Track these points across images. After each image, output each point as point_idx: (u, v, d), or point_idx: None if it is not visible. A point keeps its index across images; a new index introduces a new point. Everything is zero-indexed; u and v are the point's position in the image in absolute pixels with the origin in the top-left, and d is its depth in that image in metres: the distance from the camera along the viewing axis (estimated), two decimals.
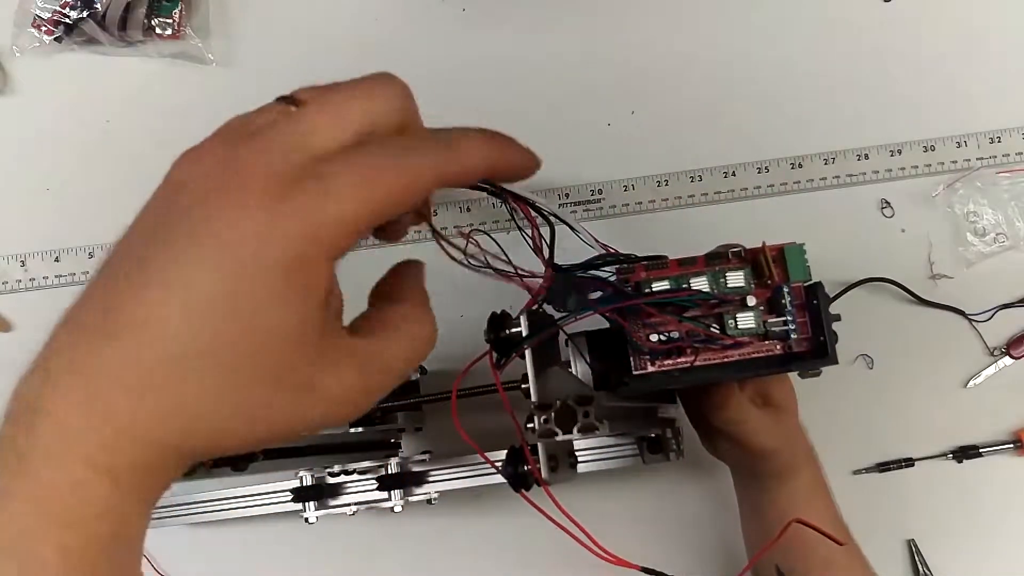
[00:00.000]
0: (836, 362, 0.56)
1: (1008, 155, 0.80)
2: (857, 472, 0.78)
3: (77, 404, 0.30)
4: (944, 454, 0.78)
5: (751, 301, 0.56)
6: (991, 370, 0.79)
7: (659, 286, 0.56)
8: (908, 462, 0.78)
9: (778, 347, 0.56)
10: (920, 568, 0.77)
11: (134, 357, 0.30)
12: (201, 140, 0.33)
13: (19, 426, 0.30)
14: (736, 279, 0.57)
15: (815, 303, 0.57)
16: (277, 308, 0.31)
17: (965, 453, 0.78)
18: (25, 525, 0.29)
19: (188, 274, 0.30)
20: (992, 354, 0.79)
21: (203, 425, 0.31)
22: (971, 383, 0.79)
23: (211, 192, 0.31)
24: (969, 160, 0.81)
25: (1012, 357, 0.78)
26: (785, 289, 0.56)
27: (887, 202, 0.81)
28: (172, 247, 0.30)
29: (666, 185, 0.82)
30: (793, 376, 0.67)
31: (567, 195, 0.82)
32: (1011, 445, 0.77)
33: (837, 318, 0.57)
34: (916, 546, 0.77)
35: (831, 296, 0.76)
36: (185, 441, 0.31)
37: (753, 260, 0.57)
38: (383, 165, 0.33)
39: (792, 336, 0.56)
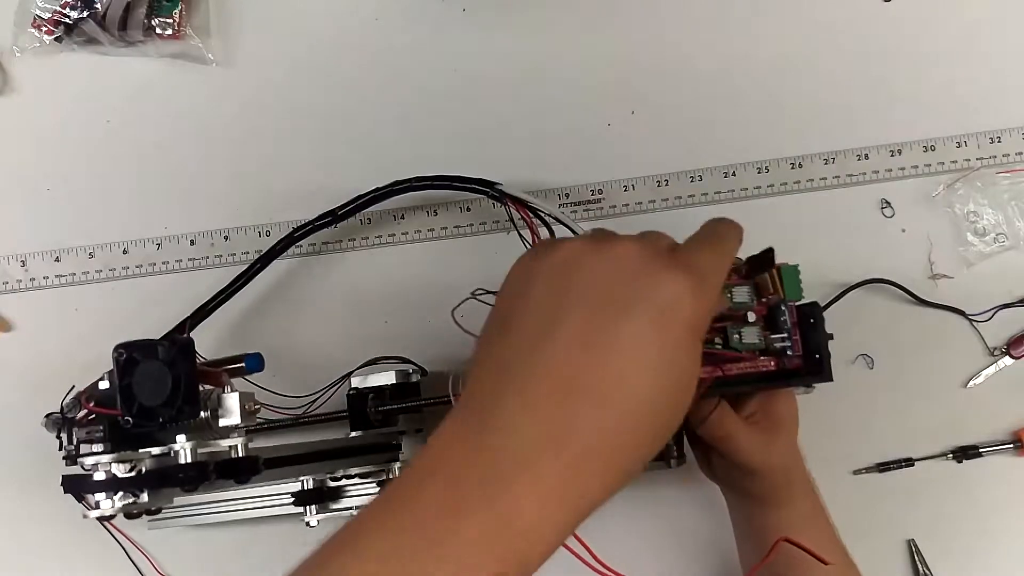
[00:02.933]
0: (831, 379, 0.57)
1: (1008, 155, 0.80)
2: (857, 472, 0.78)
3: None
4: (944, 454, 0.78)
5: (751, 317, 0.57)
6: (991, 370, 0.79)
7: None
8: (908, 462, 0.78)
9: (772, 363, 0.58)
10: (920, 568, 0.77)
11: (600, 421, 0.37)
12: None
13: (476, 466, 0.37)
14: (741, 295, 0.58)
15: (811, 322, 0.58)
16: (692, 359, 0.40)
17: (965, 453, 0.78)
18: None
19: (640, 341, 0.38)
20: (992, 354, 0.79)
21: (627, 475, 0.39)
22: (971, 383, 0.79)
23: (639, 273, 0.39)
24: (969, 160, 0.80)
25: (1012, 357, 0.78)
26: (782, 307, 0.57)
27: (887, 202, 0.81)
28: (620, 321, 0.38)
29: (666, 185, 0.82)
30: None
31: (567, 195, 0.82)
32: (1011, 445, 0.77)
33: (830, 337, 0.59)
34: (916, 546, 0.77)
35: (832, 297, 0.77)
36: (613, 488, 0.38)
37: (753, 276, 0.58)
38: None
39: (788, 353, 0.57)
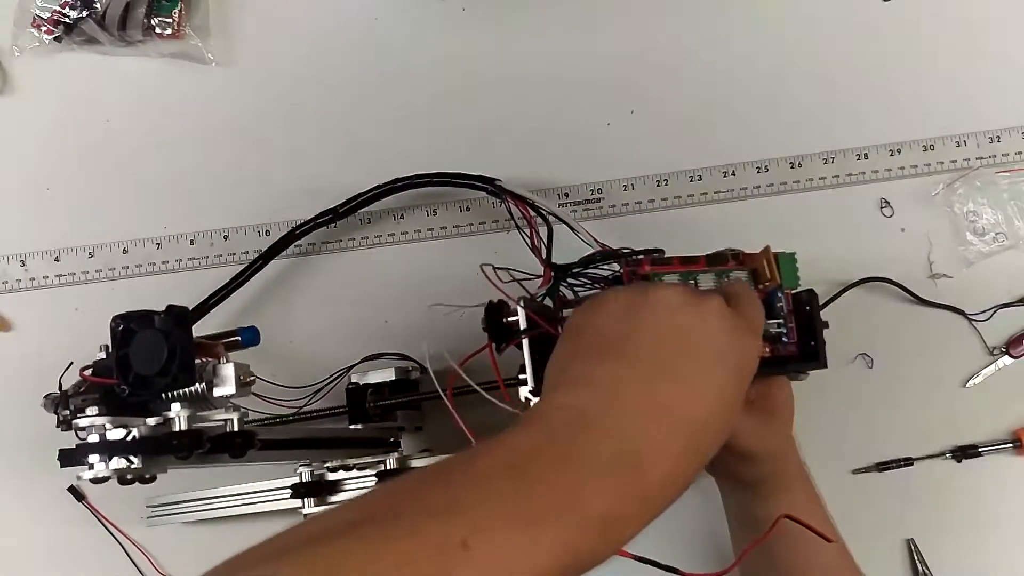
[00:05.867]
0: (826, 366, 0.58)
1: (1008, 154, 0.80)
2: (856, 471, 0.78)
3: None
4: (943, 453, 0.78)
5: None
6: (990, 369, 0.79)
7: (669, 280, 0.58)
8: (907, 461, 0.78)
9: (767, 349, 0.58)
10: (919, 567, 0.77)
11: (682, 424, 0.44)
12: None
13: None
14: (738, 279, 0.58)
15: (807, 309, 0.58)
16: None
17: (964, 452, 0.77)
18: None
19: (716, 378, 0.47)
20: (991, 353, 0.79)
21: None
22: (970, 382, 0.79)
23: (713, 331, 0.48)
24: (969, 160, 0.80)
25: (1011, 356, 0.78)
26: (779, 294, 0.58)
27: (887, 202, 0.81)
28: (697, 358, 0.47)
29: (666, 185, 0.82)
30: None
31: (567, 194, 0.82)
32: (1010, 445, 0.77)
33: (825, 325, 0.59)
34: (915, 545, 0.77)
35: (831, 296, 0.77)
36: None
37: (751, 264, 0.59)
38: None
39: (783, 339, 0.58)
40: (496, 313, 0.60)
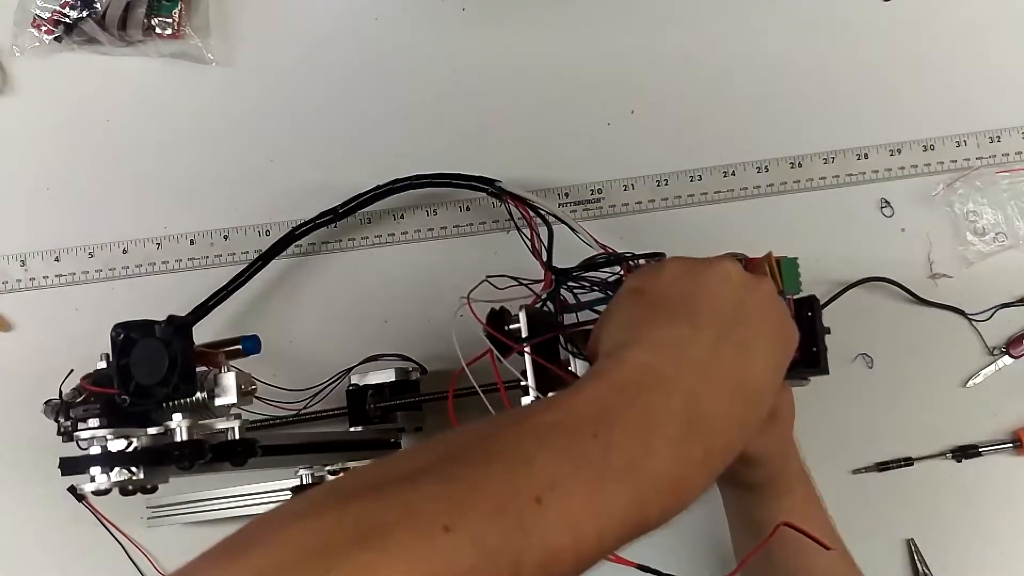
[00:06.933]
0: (827, 372, 0.58)
1: (1008, 154, 0.80)
2: (856, 471, 0.78)
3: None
4: (943, 453, 0.78)
5: None
6: (991, 369, 0.79)
7: None
8: (907, 461, 0.78)
9: None
10: (919, 567, 0.77)
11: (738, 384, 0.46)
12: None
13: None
14: None
15: (809, 315, 0.58)
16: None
17: (964, 452, 0.77)
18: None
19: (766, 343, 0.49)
20: (991, 353, 0.79)
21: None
22: (970, 382, 0.79)
23: (766, 304, 0.50)
24: (969, 159, 0.80)
25: (1012, 356, 0.78)
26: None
27: (887, 202, 0.81)
28: (754, 328, 0.48)
29: (666, 185, 0.82)
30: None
31: (567, 195, 0.82)
32: (1010, 444, 0.77)
33: (827, 331, 0.59)
34: (915, 545, 0.77)
35: (831, 296, 0.77)
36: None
37: (753, 269, 0.59)
38: None
39: None
40: (498, 320, 0.60)
